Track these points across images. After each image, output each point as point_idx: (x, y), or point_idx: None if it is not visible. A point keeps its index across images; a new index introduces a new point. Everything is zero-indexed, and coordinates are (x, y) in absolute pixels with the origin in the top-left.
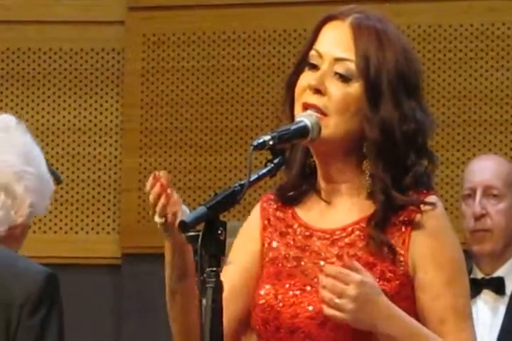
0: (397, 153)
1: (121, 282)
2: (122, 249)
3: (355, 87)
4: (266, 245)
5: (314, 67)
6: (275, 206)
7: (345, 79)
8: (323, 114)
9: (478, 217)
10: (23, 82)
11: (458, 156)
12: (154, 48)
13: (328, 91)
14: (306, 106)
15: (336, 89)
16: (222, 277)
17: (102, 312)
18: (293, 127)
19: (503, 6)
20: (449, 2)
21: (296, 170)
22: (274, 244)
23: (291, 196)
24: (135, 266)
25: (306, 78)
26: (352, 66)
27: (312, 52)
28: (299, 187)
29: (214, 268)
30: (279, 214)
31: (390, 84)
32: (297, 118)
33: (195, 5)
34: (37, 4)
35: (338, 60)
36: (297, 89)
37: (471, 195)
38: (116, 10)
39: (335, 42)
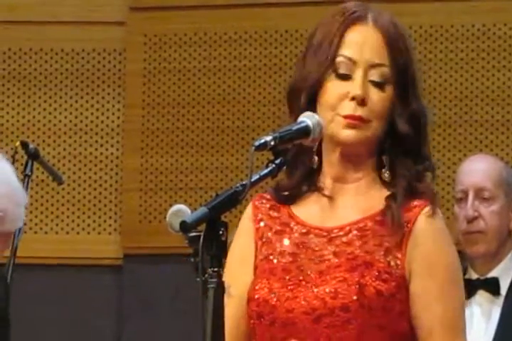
0: (418, 145)
1: (123, 282)
2: (124, 250)
3: (389, 91)
4: (259, 246)
5: (346, 76)
6: (268, 205)
7: (380, 85)
8: (366, 121)
9: (471, 220)
10: (25, 82)
11: (459, 156)
12: (156, 49)
13: (369, 100)
14: (350, 119)
15: (375, 97)
16: (227, 310)
17: (103, 312)
18: (294, 127)
19: (505, 7)
20: (451, 2)
21: (301, 171)
22: (268, 241)
23: (288, 195)
24: (136, 266)
25: (344, 87)
26: (386, 71)
27: (341, 59)
28: (298, 187)
29: (215, 269)
30: (272, 213)
31: (413, 83)
32: (299, 119)
33: (196, 5)
34: (38, 4)
35: (373, 66)
36: (331, 98)
37: (463, 197)
38: (118, 10)
39: (366, 48)
